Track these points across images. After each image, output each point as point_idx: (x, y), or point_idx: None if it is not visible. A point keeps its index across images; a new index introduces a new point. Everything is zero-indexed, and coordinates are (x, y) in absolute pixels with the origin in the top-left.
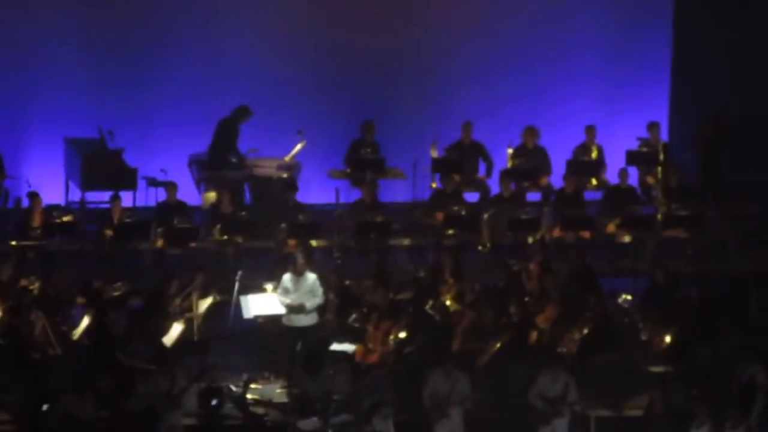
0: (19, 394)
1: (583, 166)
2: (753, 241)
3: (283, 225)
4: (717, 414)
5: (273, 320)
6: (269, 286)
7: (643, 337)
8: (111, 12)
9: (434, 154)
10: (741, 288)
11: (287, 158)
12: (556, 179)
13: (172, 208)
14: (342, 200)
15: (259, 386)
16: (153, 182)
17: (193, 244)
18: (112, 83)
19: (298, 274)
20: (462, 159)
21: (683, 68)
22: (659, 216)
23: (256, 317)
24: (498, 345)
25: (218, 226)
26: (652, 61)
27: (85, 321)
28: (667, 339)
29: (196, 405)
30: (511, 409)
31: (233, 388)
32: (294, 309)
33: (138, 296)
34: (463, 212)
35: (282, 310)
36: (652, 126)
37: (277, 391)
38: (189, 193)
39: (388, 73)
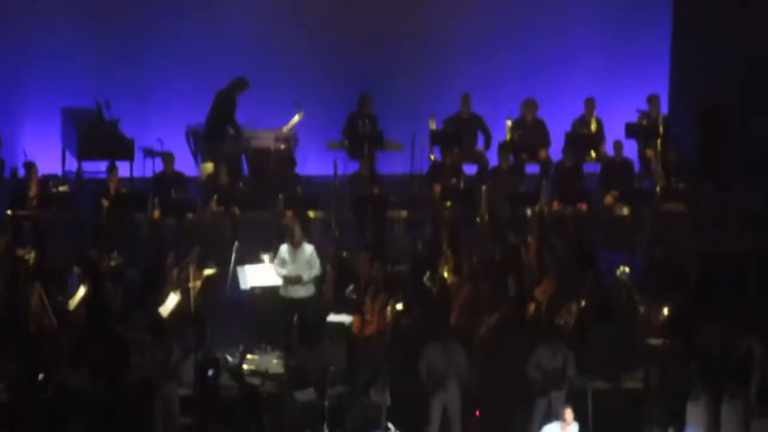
0: (15, 365)
1: (582, 139)
2: (752, 215)
3: (280, 197)
4: (714, 387)
5: (270, 292)
6: (266, 257)
7: (641, 311)
8: None
9: (432, 126)
10: (739, 262)
11: (285, 130)
12: (555, 152)
13: (169, 180)
14: (340, 172)
15: (256, 357)
16: (150, 153)
17: (189, 216)
18: (110, 54)
19: (296, 245)
20: (460, 132)
21: (684, 41)
22: (658, 189)
23: (253, 288)
24: (495, 318)
25: (215, 198)
26: (652, 34)
27: (81, 292)
28: (665, 312)
29: (193, 376)
30: (509, 382)
31: (230, 359)
32: (291, 280)
33: (134, 267)
34: (461, 185)
35: (279, 282)
36: (652, 99)
37: (273, 363)
38: (186, 165)
39: (386, 45)
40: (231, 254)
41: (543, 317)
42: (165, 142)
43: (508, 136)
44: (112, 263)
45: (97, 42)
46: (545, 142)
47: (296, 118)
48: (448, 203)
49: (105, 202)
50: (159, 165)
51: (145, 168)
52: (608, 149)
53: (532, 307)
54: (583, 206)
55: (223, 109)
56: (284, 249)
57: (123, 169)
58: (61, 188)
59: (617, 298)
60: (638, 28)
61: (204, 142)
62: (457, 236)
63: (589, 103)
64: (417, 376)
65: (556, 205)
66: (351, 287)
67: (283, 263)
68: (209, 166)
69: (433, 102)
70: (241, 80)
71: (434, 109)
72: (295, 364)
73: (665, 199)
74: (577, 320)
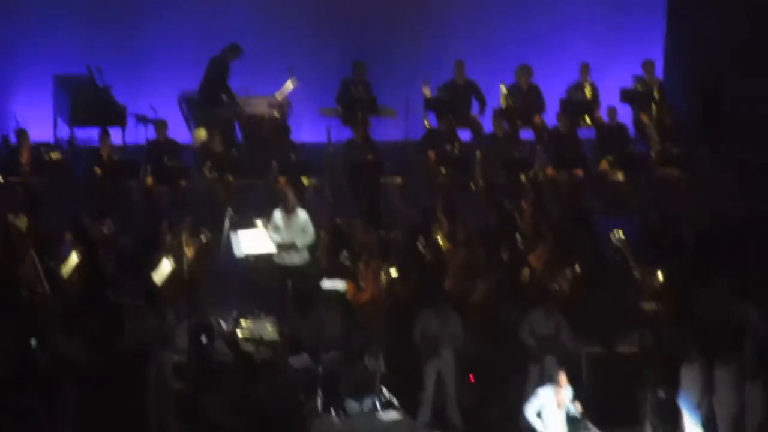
0: (7, 332)
1: (577, 104)
2: (748, 180)
3: (274, 163)
4: (709, 352)
5: (264, 258)
6: (260, 224)
7: (636, 276)
8: None
9: (427, 93)
10: (735, 227)
11: (278, 96)
12: (550, 118)
13: (162, 147)
14: (333, 139)
15: (250, 324)
16: (143, 120)
17: (183, 183)
18: (102, 19)
19: (289, 211)
20: (455, 98)
21: (678, 6)
22: (653, 155)
23: (247, 255)
24: (490, 284)
25: (209, 165)
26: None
27: (74, 259)
28: (660, 277)
29: (187, 343)
30: (503, 348)
31: (223, 326)
32: (285, 247)
33: (128, 234)
34: (456, 151)
35: (273, 249)
36: (647, 64)
37: (267, 329)
38: (179, 132)
39: (380, 11)
40: (225, 221)
41: (538, 283)
42: (158, 109)
43: (502, 102)
44: (105, 230)
45: (89, 7)
46: (540, 108)
47: (290, 85)
48: (443, 169)
49: (98, 170)
50: (152, 132)
51: (138, 135)
52: (603, 115)
53: (526, 272)
54: (578, 172)
55: (216, 76)
56: (278, 215)
57: (115, 136)
58: (54, 155)
59: (612, 263)
60: None
61: (197, 108)
62: (452, 202)
63: (584, 69)
64: (411, 342)
65: (550, 171)
66: (345, 253)
67: (276, 230)
68: (202, 133)
69: (427, 68)
70: (234, 46)
71: (428, 76)
72: (289, 331)
73: (660, 164)
74: (572, 285)
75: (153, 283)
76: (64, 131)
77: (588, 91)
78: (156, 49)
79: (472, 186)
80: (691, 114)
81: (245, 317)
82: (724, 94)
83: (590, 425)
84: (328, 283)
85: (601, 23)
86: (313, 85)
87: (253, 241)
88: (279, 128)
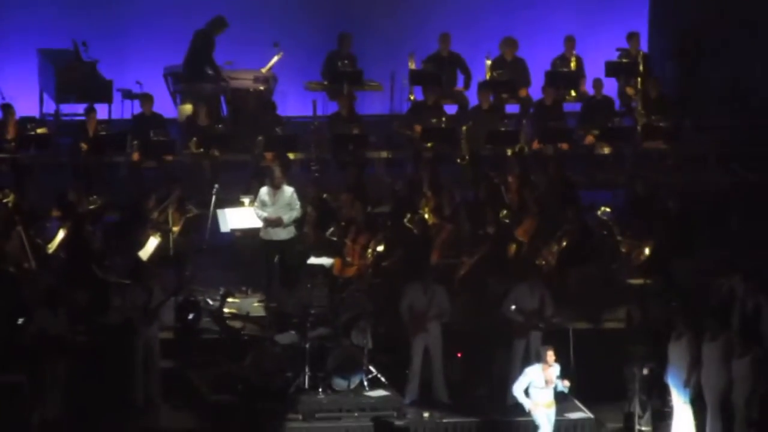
0: None
1: (562, 77)
2: (732, 152)
3: (260, 138)
4: (696, 326)
5: (250, 234)
6: (246, 200)
7: (622, 250)
8: None
9: (412, 66)
10: (720, 200)
11: (264, 70)
12: (535, 91)
13: (147, 121)
14: (319, 113)
15: (237, 300)
16: (128, 95)
17: (169, 158)
18: None
19: (276, 187)
20: (440, 71)
21: None
22: (638, 127)
23: (233, 231)
24: (476, 258)
25: (195, 139)
26: None
27: (61, 234)
28: (646, 251)
29: (173, 319)
30: (490, 323)
31: (210, 302)
32: (271, 222)
33: (114, 210)
34: (442, 125)
35: (259, 224)
36: (632, 37)
37: (254, 305)
38: (165, 106)
39: None
40: (211, 196)
41: (524, 257)
42: (144, 83)
43: (488, 75)
44: (92, 206)
45: None
46: (525, 81)
47: (275, 59)
48: (429, 143)
49: (84, 145)
50: (137, 107)
51: (123, 110)
52: (588, 88)
53: (513, 246)
54: (564, 145)
55: (201, 49)
56: (264, 191)
57: (101, 111)
58: (40, 130)
59: (598, 237)
60: None
61: (183, 82)
62: (438, 176)
63: (569, 42)
64: (398, 317)
65: (536, 144)
66: (332, 229)
67: (263, 205)
68: (188, 108)
69: (412, 41)
70: (219, 20)
71: (414, 49)
72: (276, 307)
73: (646, 137)
74: (557, 260)
75: (139, 259)
76: (50, 106)
77: (573, 64)
78: (141, 22)
79: (458, 160)
80: (676, 86)
81: (232, 294)
82: (708, 66)
83: (578, 403)
84: (314, 260)
85: None
86: (298, 59)
87: (239, 216)
88: (265, 102)
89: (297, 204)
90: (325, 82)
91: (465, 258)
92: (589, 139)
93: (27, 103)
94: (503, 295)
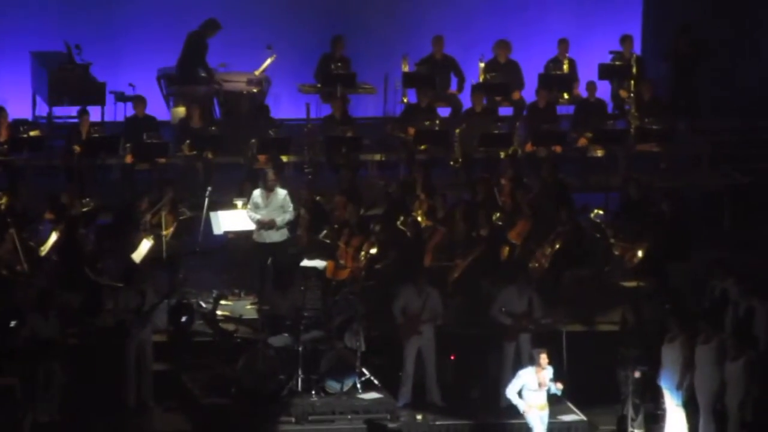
0: None
1: (556, 80)
2: (725, 155)
3: (253, 140)
4: (689, 328)
5: (243, 236)
6: (239, 202)
7: (616, 252)
8: None
9: (405, 68)
10: (714, 202)
11: (257, 73)
12: (529, 94)
13: (140, 123)
14: (312, 115)
15: (230, 303)
16: (121, 97)
17: (162, 160)
18: None
19: (269, 189)
20: (433, 73)
21: None
22: (632, 130)
23: (226, 233)
24: (470, 260)
25: (188, 142)
26: None
27: (53, 237)
28: (640, 254)
29: (166, 322)
30: (483, 325)
31: (203, 305)
32: (264, 225)
33: (107, 212)
34: (435, 127)
35: (252, 227)
36: (625, 39)
37: (247, 308)
38: (158, 108)
39: None
40: (204, 198)
41: (517, 259)
42: (136, 85)
43: (481, 78)
44: (84, 208)
45: None
46: (519, 84)
47: (269, 61)
48: (422, 146)
49: (77, 148)
50: (130, 109)
51: (116, 112)
52: (581, 90)
53: (506, 249)
54: (557, 148)
55: (194, 52)
56: (257, 193)
57: (94, 114)
58: (33, 133)
59: (592, 240)
60: None
61: (176, 85)
62: (431, 179)
63: (563, 44)
64: (392, 319)
65: (530, 147)
66: (325, 231)
67: (256, 207)
68: (181, 110)
69: (406, 44)
70: (212, 22)
71: (407, 51)
72: (269, 309)
73: (639, 140)
74: (551, 262)
75: (132, 262)
76: (43, 109)
77: (566, 67)
78: (134, 25)
79: (452, 162)
80: (669, 89)
81: (225, 296)
82: (702, 68)
83: (571, 405)
84: (307, 262)
85: None
86: (292, 62)
87: (232, 218)
88: (258, 105)
89: (290, 206)
90: (319, 85)
91: (458, 260)
92: (583, 141)
93: (20, 105)
94: (493, 298)
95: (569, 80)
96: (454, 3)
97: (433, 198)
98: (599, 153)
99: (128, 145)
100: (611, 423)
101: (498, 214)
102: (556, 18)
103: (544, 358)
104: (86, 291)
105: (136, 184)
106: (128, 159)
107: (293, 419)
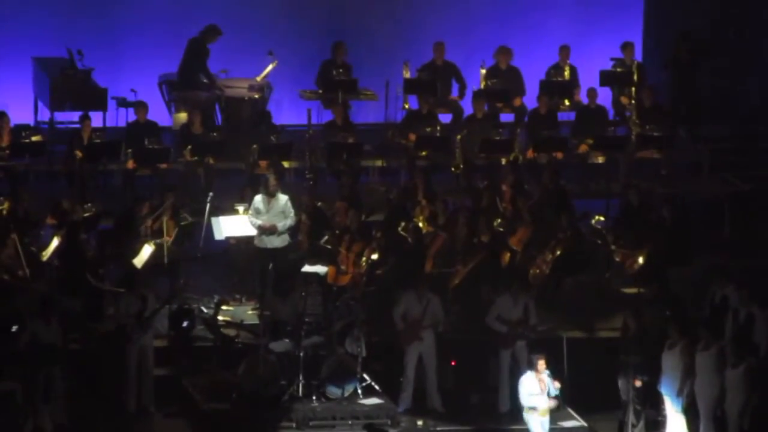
0: None
1: (557, 86)
2: (726, 161)
3: (254, 146)
4: (690, 335)
5: (244, 242)
6: (240, 208)
7: (616, 259)
8: None
9: (407, 74)
10: (714, 209)
11: (258, 79)
12: (530, 100)
13: (142, 129)
14: (314, 121)
15: (231, 308)
16: (123, 103)
17: (163, 166)
18: (82, 2)
19: (270, 195)
20: (434, 80)
21: None
22: (633, 137)
23: (228, 239)
24: (470, 267)
25: (189, 147)
26: None
27: (55, 242)
28: (640, 260)
29: (167, 327)
30: (483, 331)
31: (204, 310)
32: (266, 230)
33: (108, 217)
34: (436, 133)
35: (253, 232)
36: (626, 46)
37: (248, 313)
38: (159, 114)
39: None
40: (205, 204)
41: (518, 266)
42: (138, 91)
43: (482, 84)
44: (86, 213)
45: None
46: (520, 90)
47: (270, 67)
48: (423, 152)
49: (78, 153)
50: (132, 115)
51: (118, 118)
52: (582, 97)
53: (507, 255)
54: (558, 154)
55: (195, 57)
56: (259, 199)
57: (96, 119)
58: (34, 138)
59: (592, 246)
60: None
61: (177, 90)
62: (432, 185)
63: (564, 51)
64: (392, 325)
65: (530, 153)
66: (326, 237)
67: (257, 213)
68: (183, 116)
69: (407, 50)
70: (212, 28)
71: (409, 57)
72: (270, 315)
73: (640, 146)
74: (551, 269)
75: (134, 267)
76: (44, 114)
77: (567, 73)
78: (136, 31)
79: (453, 169)
80: (670, 96)
81: (226, 301)
82: (702, 75)
83: (571, 411)
84: (308, 268)
85: (580, 5)
86: (293, 68)
87: (233, 224)
88: (259, 111)
89: (291, 212)
90: (320, 91)
91: (459, 267)
92: (583, 148)
93: (22, 110)
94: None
95: (570, 87)
96: (456, 9)
97: (434, 204)
98: (600, 159)
99: (130, 150)
100: (612, 429)
101: (499, 221)
102: (558, 24)
103: (542, 363)
104: (87, 296)
105: (137, 190)
106: (130, 164)
107: (294, 424)
